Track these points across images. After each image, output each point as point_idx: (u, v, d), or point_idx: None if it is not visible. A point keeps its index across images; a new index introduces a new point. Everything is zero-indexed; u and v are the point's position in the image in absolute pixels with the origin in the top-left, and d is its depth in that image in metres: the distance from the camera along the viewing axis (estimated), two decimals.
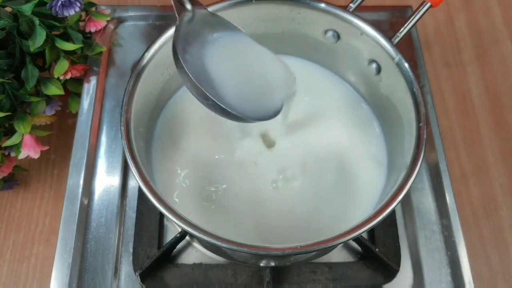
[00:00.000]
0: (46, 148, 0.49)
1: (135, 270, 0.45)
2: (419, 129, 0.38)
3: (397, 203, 0.36)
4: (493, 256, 0.51)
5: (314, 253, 0.45)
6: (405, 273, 0.46)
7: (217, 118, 0.47)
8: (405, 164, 0.38)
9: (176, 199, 0.44)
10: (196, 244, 0.47)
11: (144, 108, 0.43)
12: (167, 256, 0.46)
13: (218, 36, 0.39)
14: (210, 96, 0.35)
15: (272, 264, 0.44)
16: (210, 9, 0.42)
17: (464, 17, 0.66)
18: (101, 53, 0.54)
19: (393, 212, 0.46)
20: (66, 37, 0.51)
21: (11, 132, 0.48)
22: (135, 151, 0.37)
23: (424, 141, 0.38)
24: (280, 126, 0.48)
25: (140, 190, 0.49)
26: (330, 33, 0.45)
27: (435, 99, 0.57)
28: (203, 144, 0.47)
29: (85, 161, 0.49)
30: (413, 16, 0.43)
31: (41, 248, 0.50)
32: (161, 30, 0.42)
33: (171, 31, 0.42)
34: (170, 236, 0.48)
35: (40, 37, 0.46)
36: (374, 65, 0.44)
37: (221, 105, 0.36)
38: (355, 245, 0.47)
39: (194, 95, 0.37)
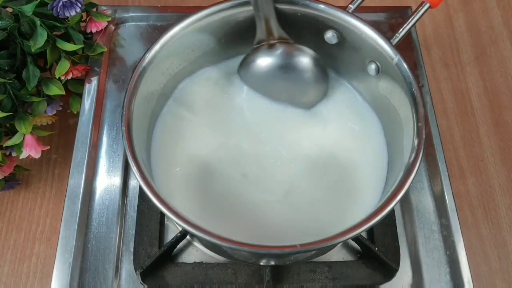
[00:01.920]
0: (47, 148, 0.49)
1: (135, 269, 0.45)
2: (418, 129, 0.38)
3: (396, 203, 0.36)
4: (492, 256, 0.51)
5: (313, 252, 0.45)
6: (404, 272, 0.46)
7: (217, 118, 0.48)
8: (404, 163, 0.38)
9: (177, 199, 0.44)
10: (196, 243, 0.47)
11: (145, 107, 0.43)
12: (167, 255, 0.46)
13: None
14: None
15: (272, 263, 0.45)
16: (212, 9, 0.43)
17: (463, 17, 0.66)
18: (102, 53, 0.55)
19: (392, 211, 0.46)
20: (67, 38, 0.51)
21: (12, 132, 0.49)
22: (136, 150, 0.38)
23: (423, 141, 0.38)
24: (281, 127, 0.48)
25: (141, 190, 0.49)
26: (329, 34, 0.45)
27: (434, 99, 0.57)
28: (203, 143, 0.47)
29: (86, 160, 0.49)
30: (412, 17, 0.43)
31: (42, 247, 0.50)
32: (162, 31, 0.42)
33: (172, 32, 0.42)
34: (170, 235, 0.48)
35: (41, 38, 0.47)
36: (373, 66, 0.44)
37: None
38: (354, 244, 0.47)
39: None
